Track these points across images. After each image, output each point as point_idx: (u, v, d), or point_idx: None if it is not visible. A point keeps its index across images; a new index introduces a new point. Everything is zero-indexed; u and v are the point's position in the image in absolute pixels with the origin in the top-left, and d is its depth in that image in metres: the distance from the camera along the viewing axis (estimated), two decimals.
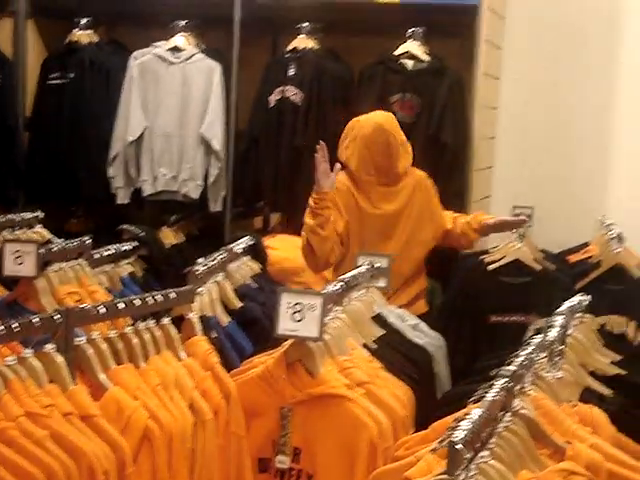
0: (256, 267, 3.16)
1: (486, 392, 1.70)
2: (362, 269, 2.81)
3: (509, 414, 1.74)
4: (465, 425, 1.49)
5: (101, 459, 1.80)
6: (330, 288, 2.51)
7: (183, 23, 4.33)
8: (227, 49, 4.36)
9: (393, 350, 2.59)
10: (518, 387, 1.85)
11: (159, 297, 2.25)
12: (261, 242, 3.38)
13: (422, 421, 2.21)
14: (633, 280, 3.67)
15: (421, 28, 4.11)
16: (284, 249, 3.95)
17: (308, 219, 3.45)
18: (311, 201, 3.47)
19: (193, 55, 4.30)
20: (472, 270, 3.82)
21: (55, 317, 1.98)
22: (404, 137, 3.63)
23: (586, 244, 4.20)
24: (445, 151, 4.06)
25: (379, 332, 2.66)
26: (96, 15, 4.52)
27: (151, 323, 2.20)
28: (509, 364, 1.87)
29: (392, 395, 2.32)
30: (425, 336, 2.83)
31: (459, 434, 1.47)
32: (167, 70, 4.29)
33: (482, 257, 3.87)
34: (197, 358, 2.24)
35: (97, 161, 4.36)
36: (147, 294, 2.25)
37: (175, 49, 4.31)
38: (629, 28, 4.51)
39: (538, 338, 2.14)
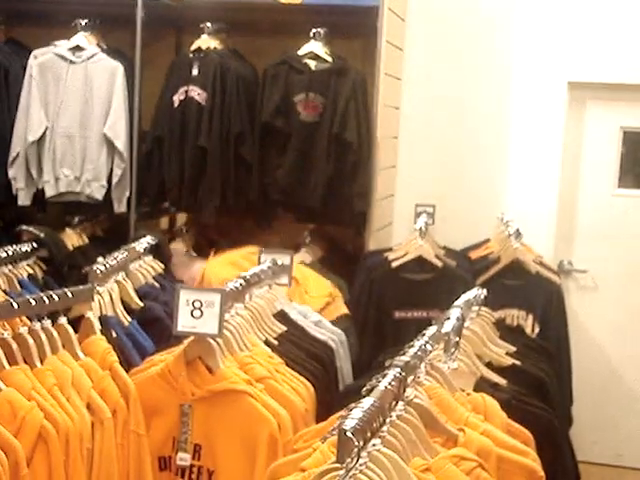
0: (158, 266, 3.15)
1: (379, 382, 1.73)
2: (264, 266, 2.82)
3: (402, 403, 1.77)
4: (355, 413, 1.52)
5: None
6: (230, 285, 2.52)
7: (84, 22, 4.27)
8: (130, 49, 4.32)
9: (295, 346, 2.60)
10: (412, 377, 1.89)
11: (55, 296, 2.22)
12: (164, 241, 3.36)
13: (324, 415, 2.23)
14: (530, 275, 3.78)
15: (323, 29, 4.14)
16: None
17: None
18: None
19: (94, 55, 4.23)
20: (376, 267, 3.89)
21: None
22: None
23: (487, 240, 4.31)
24: (349, 150, 4.09)
25: (281, 328, 2.67)
26: None
27: (47, 323, 2.17)
28: (403, 355, 1.91)
29: (292, 390, 2.33)
30: (328, 332, 2.85)
31: (349, 422, 1.49)
32: (68, 69, 4.21)
33: (386, 254, 3.94)
34: (95, 357, 2.22)
35: None
36: (43, 293, 2.22)
37: (76, 48, 4.23)
38: (523, 24, 4.64)
39: (433, 330, 2.19)
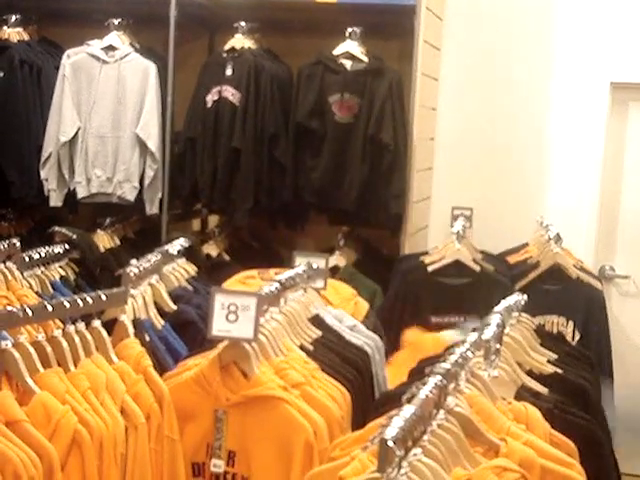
0: (191, 269, 3.11)
1: (419, 390, 1.68)
2: (299, 270, 2.77)
3: (443, 412, 1.72)
4: (396, 422, 1.47)
5: (27, 465, 1.74)
6: (266, 289, 2.47)
7: (117, 21, 4.25)
8: (163, 48, 4.30)
9: (330, 351, 2.56)
10: (452, 385, 1.84)
11: (89, 299, 2.19)
12: (197, 244, 3.32)
13: (360, 422, 2.19)
14: (571, 280, 3.71)
15: (359, 28, 4.09)
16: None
17: None
18: None
19: (128, 54, 4.22)
20: (412, 271, 3.83)
21: None
22: None
23: (525, 245, 4.24)
24: (385, 152, 4.05)
25: (316, 333, 2.63)
26: (26, 13, 4.43)
27: (81, 326, 2.14)
28: (443, 362, 1.86)
29: (328, 396, 2.29)
30: (363, 337, 2.80)
31: (390, 431, 1.44)
32: (101, 69, 4.20)
33: (422, 258, 3.88)
34: (129, 361, 2.19)
35: (29, 163, 4.26)
36: (77, 296, 2.19)
37: (109, 48, 4.22)
38: (564, 24, 4.56)
39: (474, 336, 2.13)
